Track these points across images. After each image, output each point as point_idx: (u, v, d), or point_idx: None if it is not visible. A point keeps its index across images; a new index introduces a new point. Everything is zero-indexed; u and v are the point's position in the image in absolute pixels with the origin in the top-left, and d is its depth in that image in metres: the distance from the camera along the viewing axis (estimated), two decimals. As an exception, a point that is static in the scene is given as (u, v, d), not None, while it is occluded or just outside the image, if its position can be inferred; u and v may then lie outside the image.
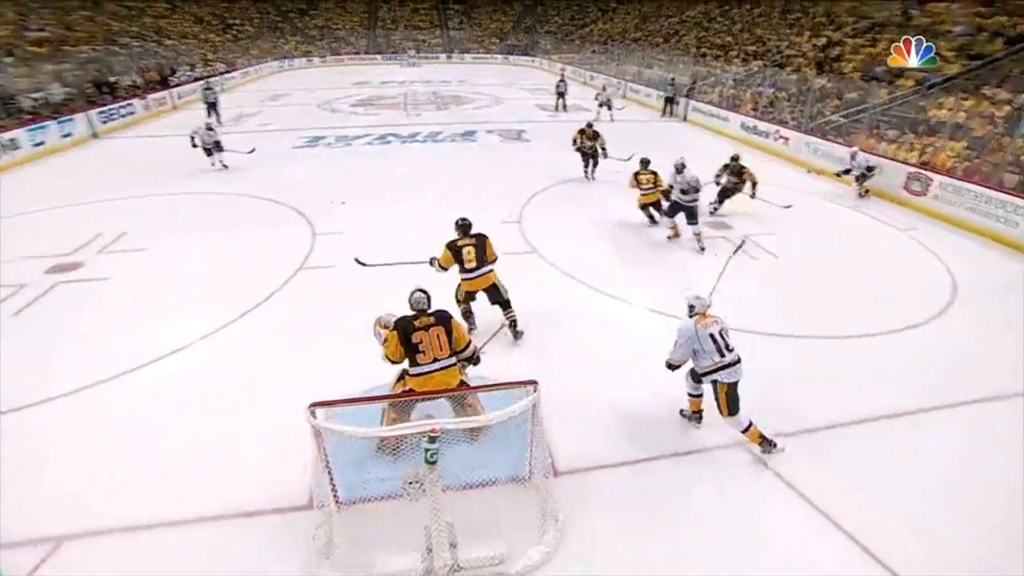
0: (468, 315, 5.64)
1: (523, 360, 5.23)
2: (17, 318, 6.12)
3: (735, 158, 9.10)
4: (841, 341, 5.68)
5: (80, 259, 7.53)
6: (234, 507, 3.69)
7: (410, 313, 3.80)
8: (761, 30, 21.22)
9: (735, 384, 4.01)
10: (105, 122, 16.11)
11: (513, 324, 5.52)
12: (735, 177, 8.95)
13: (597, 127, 11.21)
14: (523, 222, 8.79)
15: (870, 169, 10.05)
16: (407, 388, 3.77)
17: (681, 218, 7.90)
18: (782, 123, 14.10)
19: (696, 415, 4.47)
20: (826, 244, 8.24)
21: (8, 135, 12.54)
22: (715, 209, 9.21)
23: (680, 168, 7.73)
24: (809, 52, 17.06)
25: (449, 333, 3.79)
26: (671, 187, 7.83)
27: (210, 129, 11.66)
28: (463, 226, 5.38)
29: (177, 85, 21.81)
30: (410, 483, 3.26)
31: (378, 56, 40.87)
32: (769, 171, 10.90)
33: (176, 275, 7.04)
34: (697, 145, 14.34)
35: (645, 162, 8.48)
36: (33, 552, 3.40)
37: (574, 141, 10.79)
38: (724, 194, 9.13)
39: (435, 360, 3.73)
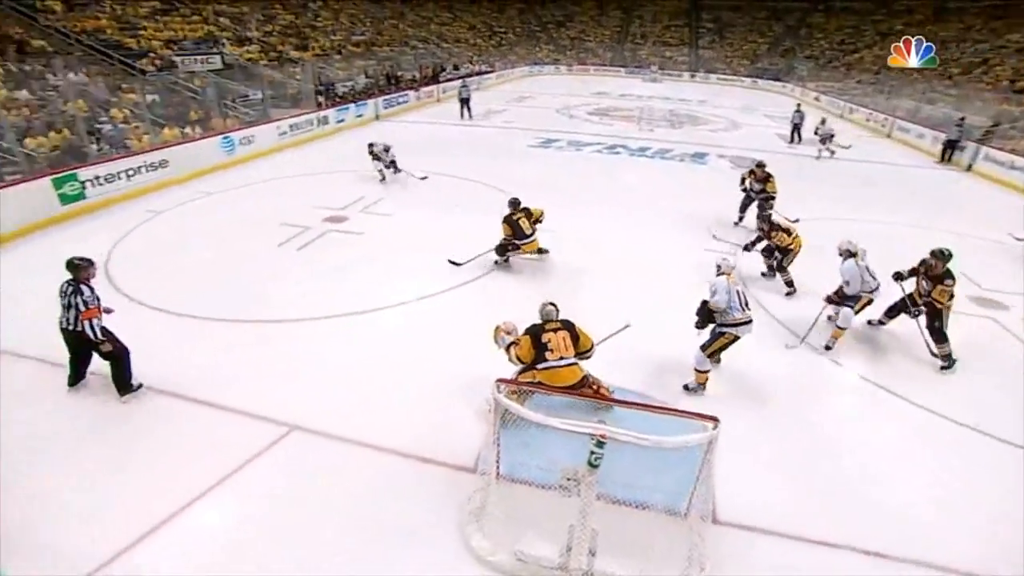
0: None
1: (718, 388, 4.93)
2: (300, 252, 7.77)
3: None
4: None
5: (347, 214, 9.25)
6: (414, 448, 4.19)
7: (539, 322, 4.41)
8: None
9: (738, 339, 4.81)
10: (386, 108, 19.37)
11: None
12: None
13: (818, 165, 9.83)
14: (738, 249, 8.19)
15: None
16: (536, 380, 4.25)
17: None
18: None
19: (702, 387, 4.93)
20: None
21: (323, 113, 16.06)
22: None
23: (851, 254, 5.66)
24: None
25: (575, 338, 4.36)
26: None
27: (386, 149, 11.24)
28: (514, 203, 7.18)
29: (444, 81, 25.07)
30: (568, 479, 3.31)
31: (621, 69, 41.47)
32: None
33: (411, 241, 8.15)
34: (977, 203, 11.64)
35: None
36: (273, 430, 4.32)
37: (742, 180, 9.25)
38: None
39: (561, 358, 4.26)
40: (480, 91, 26.21)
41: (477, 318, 6.12)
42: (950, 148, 15.20)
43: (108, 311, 4.68)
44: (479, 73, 30.22)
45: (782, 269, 6.94)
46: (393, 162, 11.24)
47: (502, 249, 7.30)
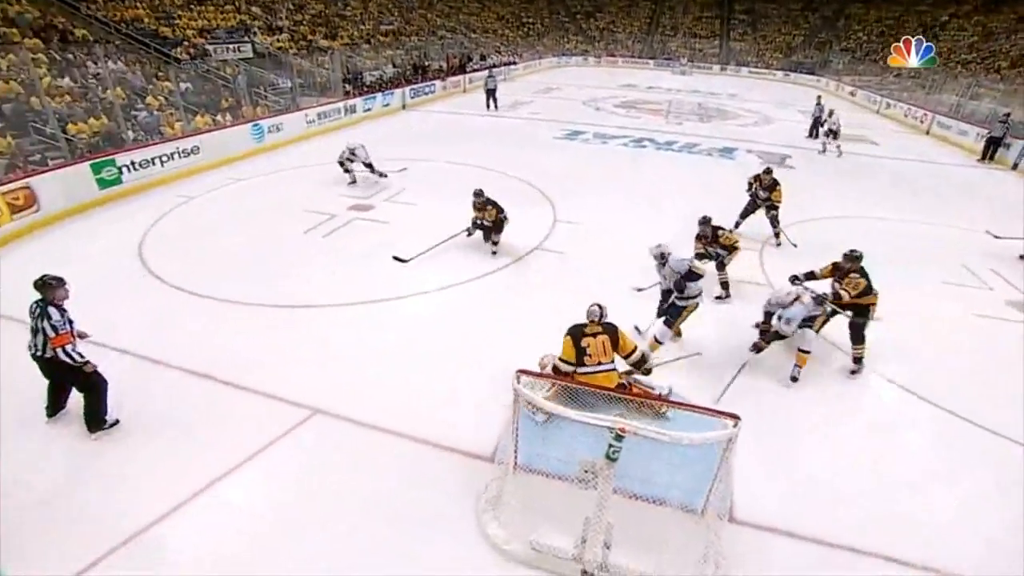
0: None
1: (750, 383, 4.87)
2: (326, 239, 7.89)
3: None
4: None
5: (373, 203, 9.33)
6: (433, 436, 4.24)
7: (584, 322, 4.29)
8: None
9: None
10: (413, 97, 19.43)
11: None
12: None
13: (825, 160, 9.33)
14: (763, 251, 8.02)
15: None
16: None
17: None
18: None
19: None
20: None
21: (351, 102, 16.18)
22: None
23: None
24: None
25: (615, 342, 4.27)
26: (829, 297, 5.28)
27: (352, 152, 10.14)
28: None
29: (471, 71, 25.02)
30: (586, 471, 3.32)
31: (650, 61, 40.82)
32: None
33: (434, 230, 8.16)
34: (1022, 203, 11.16)
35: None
36: (296, 413, 4.41)
37: (749, 185, 8.47)
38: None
39: (599, 363, 4.20)
40: (507, 82, 26.12)
41: (501, 308, 6.18)
42: (993, 145, 14.61)
43: (82, 336, 4.22)
44: (506, 64, 30.09)
45: (721, 267, 6.55)
46: (369, 164, 10.14)
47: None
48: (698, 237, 6.55)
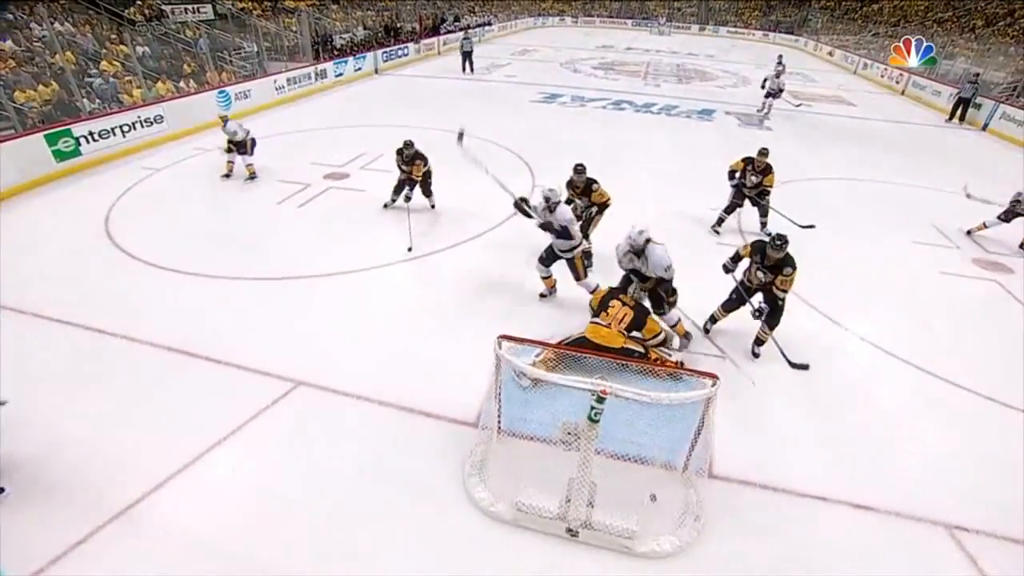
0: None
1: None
2: (301, 209, 7.72)
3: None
4: None
5: (348, 171, 9.13)
6: (417, 404, 4.27)
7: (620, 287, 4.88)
8: None
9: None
10: (385, 60, 18.80)
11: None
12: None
13: (802, 120, 8.95)
14: (742, 215, 8.09)
15: None
16: (580, 335, 4.55)
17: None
18: None
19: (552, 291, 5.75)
20: None
21: (322, 66, 15.56)
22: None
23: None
24: None
25: (638, 324, 4.57)
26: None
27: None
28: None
29: (445, 33, 24.27)
30: (568, 433, 3.40)
31: (628, 21, 40.07)
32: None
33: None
34: (991, 164, 11.43)
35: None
36: (279, 385, 4.40)
37: (731, 174, 7.14)
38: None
39: (609, 324, 4.52)
40: (482, 44, 25.43)
41: (482, 274, 6.16)
42: (963, 105, 14.82)
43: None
44: (481, 25, 29.24)
45: (586, 226, 6.21)
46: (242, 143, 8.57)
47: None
48: (569, 183, 6.18)
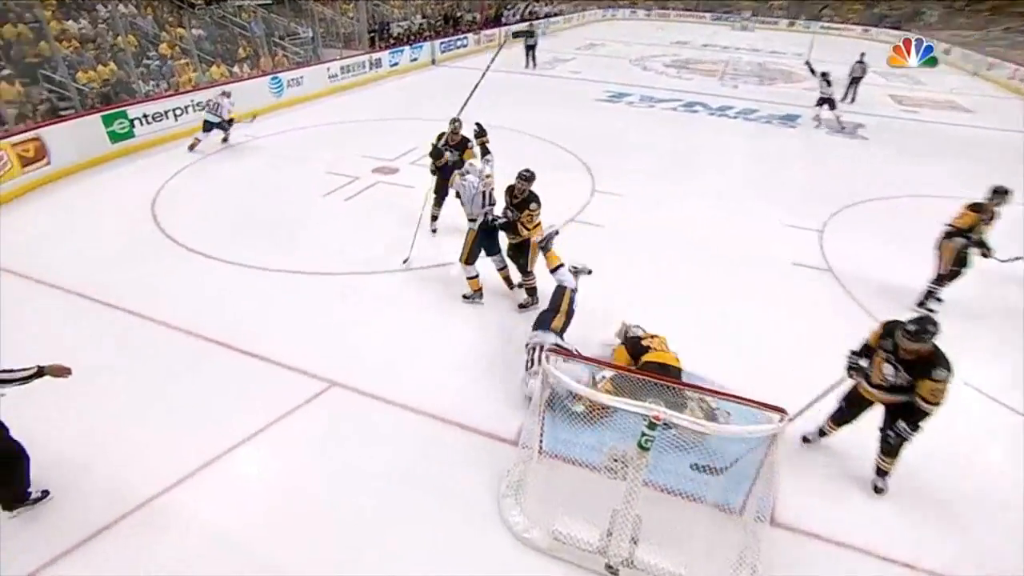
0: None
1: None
2: (348, 203, 8.05)
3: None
4: None
5: (397, 166, 9.44)
6: (455, 415, 4.37)
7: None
8: None
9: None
10: (443, 51, 19.32)
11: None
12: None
13: (903, 129, 8.55)
14: (824, 233, 7.78)
15: None
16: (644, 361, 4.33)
17: None
18: None
19: (478, 294, 5.90)
20: None
21: (377, 55, 16.20)
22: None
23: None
24: None
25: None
26: None
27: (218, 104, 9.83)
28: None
29: (507, 24, 24.66)
30: (615, 459, 3.38)
31: (707, 15, 39.47)
32: None
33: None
34: None
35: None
36: (314, 384, 4.60)
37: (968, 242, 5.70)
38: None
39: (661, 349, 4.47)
40: (547, 37, 25.67)
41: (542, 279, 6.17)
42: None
43: None
44: (546, 16, 29.54)
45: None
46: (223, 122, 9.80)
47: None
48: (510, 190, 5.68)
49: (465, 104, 6.74)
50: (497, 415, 4.37)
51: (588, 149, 10.46)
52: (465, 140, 6.85)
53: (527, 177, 5.44)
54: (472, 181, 5.62)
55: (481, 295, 5.91)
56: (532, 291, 5.82)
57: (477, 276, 5.81)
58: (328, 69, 14.38)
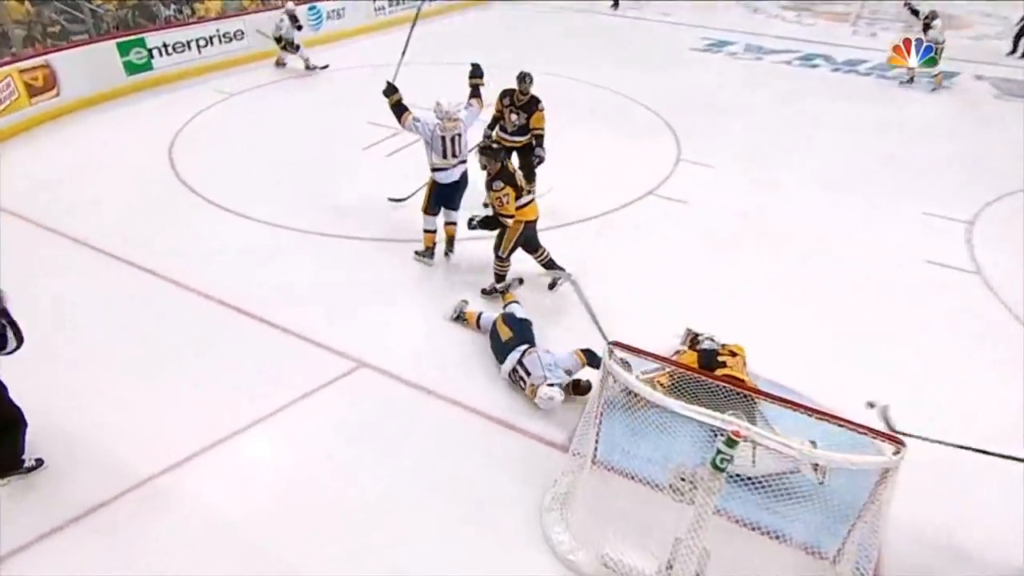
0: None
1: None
2: (389, 159, 8.28)
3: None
4: None
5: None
6: (496, 410, 4.49)
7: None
8: None
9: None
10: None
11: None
12: None
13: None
14: (976, 226, 7.33)
15: None
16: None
17: None
18: None
19: (429, 251, 6.10)
20: None
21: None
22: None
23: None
24: None
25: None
26: None
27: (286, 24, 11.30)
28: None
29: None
30: (682, 479, 3.37)
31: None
32: None
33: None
34: None
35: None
36: (343, 363, 4.81)
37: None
38: None
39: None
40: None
41: (592, 262, 6.14)
42: None
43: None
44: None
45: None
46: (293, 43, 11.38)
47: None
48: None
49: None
50: (545, 415, 4.44)
51: (675, 110, 10.25)
52: (535, 100, 6.62)
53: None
54: (427, 121, 5.65)
55: (432, 254, 6.11)
56: (500, 278, 5.72)
57: (434, 231, 6.00)
58: (375, 2, 14.58)
